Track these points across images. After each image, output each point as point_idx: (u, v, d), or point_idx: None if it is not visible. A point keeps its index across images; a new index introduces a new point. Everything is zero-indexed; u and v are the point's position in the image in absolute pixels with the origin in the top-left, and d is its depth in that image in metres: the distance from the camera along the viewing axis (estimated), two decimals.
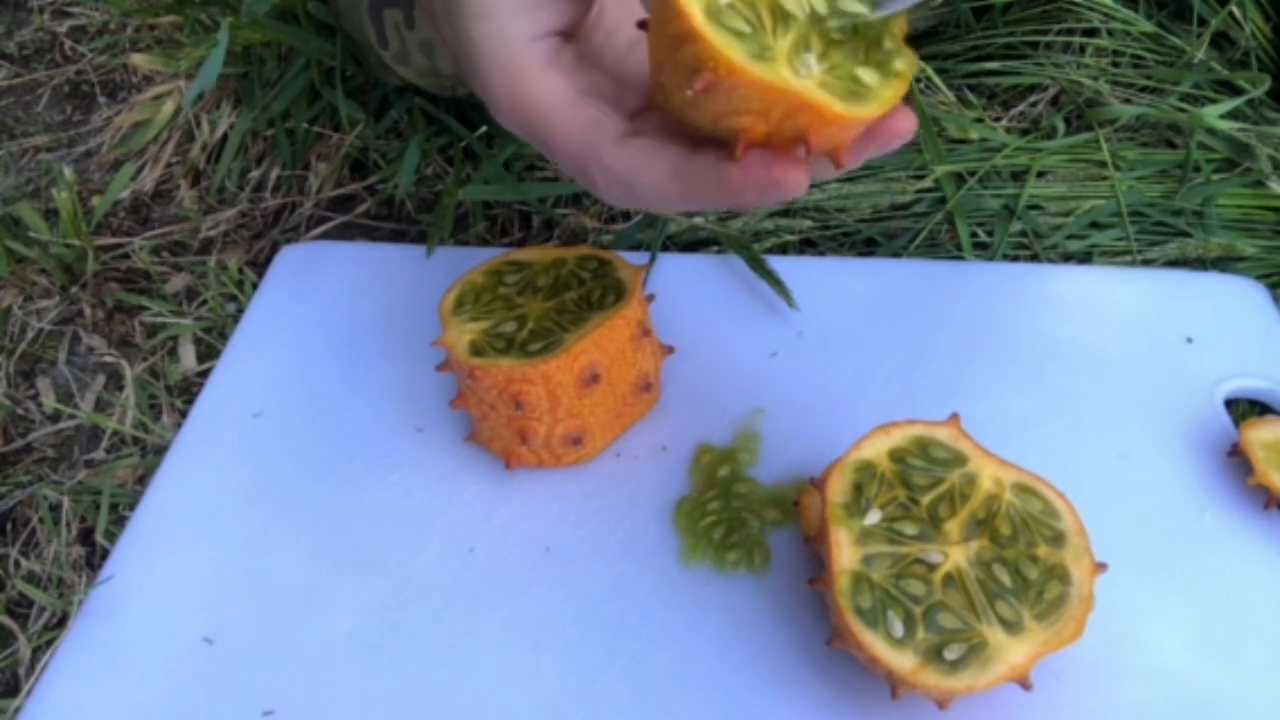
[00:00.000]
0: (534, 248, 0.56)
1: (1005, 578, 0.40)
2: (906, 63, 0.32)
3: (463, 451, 0.53)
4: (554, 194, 0.68)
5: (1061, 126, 0.69)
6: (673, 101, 0.32)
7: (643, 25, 0.34)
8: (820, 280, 0.61)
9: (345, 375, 0.57)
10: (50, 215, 0.75)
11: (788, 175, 0.31)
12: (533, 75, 0.35)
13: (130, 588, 0.48)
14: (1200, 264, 0.64)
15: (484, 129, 0.68)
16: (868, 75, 0.31)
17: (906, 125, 0.32)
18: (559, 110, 0.35)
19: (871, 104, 0.31)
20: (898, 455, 0.44)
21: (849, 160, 0.33)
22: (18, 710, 0.48)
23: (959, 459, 0.44)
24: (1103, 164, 0.66)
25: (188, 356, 0.67)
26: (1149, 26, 0.73)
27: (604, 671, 0.44)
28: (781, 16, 0.31)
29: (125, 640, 0.46)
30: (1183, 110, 0.69)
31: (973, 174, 0.66)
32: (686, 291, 0.61)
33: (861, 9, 0.32)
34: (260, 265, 0.72)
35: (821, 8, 0.32)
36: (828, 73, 0.31)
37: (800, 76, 0.30)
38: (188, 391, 0.65)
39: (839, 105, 0.30)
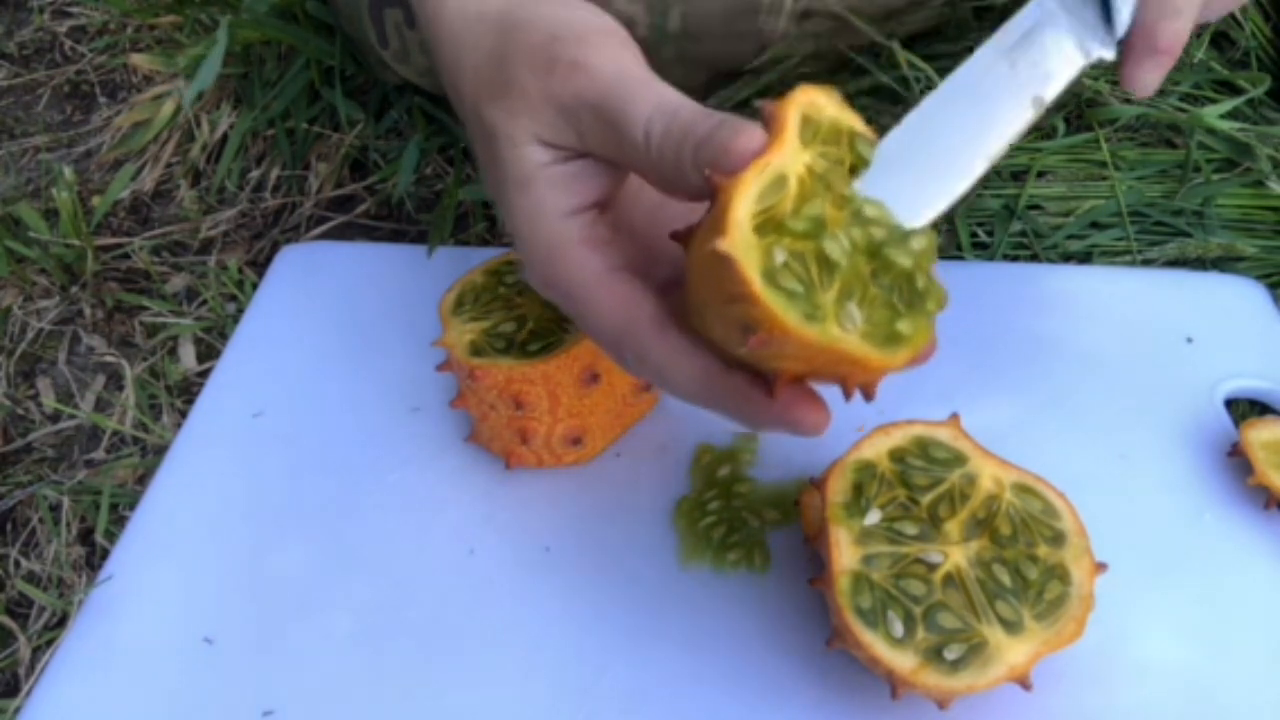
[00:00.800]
0: None
1: (1005, 578, 0.40)
2: (936, 301, 0.33)
3: (463, 451, 0.53)
4: None
5: (1061, 126, 0.69)
6: (713, 335, 0.33)
7: (677, 237, 0.34)
8: None
9: (345, 375, 0.57)
10: (50, 215, 0.75)
11: (815, 420, 0.33)
12: (568, 252, 0.35)
13: (130, 588, 0.48)
14: (1200, 264, 0.64)
15: None
16: (904, 325, 0.32)
17: (930, 354, 0.34)
18: (594, 289, 0.35)
19: (906, 349, 0.32)
20: (898, 455, 0.44)
21: (877, 394, 0.35)
22: (18, 710, 0.48)
23: (959, 459, 0.44)
24: (1103, 164, 0.66)
25: (188, 356, 0.67)
26: None
27: (604, 672, 0.44)
28: (826, 264, 0.31)
29: (125, 640, 0.46)
30: (1183, 110, 0.69)
31: None
32: None
33: (888, 226, 0.33)
34: (260, 265, 0.72)
35: (859, 238, 0.33)
36: (867, 320, 0.32)
37: (846, 330, 0.31)
38: (188, 391, 0.65)
39: (879, 356, 0.31)
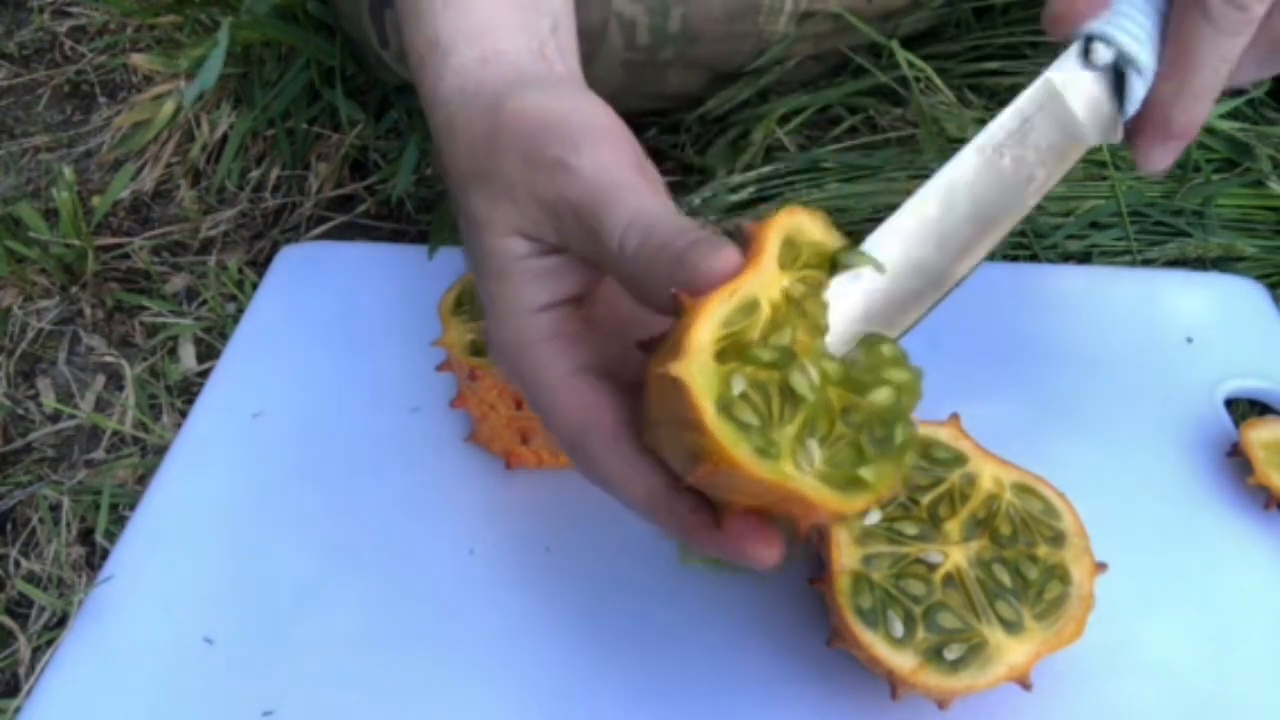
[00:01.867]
0: None
1: (1005, 578, 0.40)
2: (912, 451, 0.32)
3: (463, 451, 0.53)
4: None
5: None
6: (665, 455, 0.32)
7: (642, 347, 0.32)
8: None
9: (345, 375, 0.57)
10: (50, 215, 0.75)
11: (766, 554, 0.31)
12: (535, 349, 0.35)
13: (130, 588, 0.48)
14: (1200, 264, 0.64)
15: None
16: (868, 472, 0.30)
17: (894, 498, 0.33)
18: (556, 390, 0.34)
19: (866, 496, 0.30)
20: None
21: (829, 538, 0.34)
22: (18, 710, 0.48)
23: (959, 459, 0.44)
24: (1102, 164, 0.66)
25: (188, 356, 0.67)
26: None
27: (604, 671, 0.44)
28: (790, 396, 0.30)
29: (125, 640, 0.46)
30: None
31: None
32: None
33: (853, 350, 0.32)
34: (260, 265, 0.72)
35: (833, 371, 0.31)
36: (828, 460, 0.30)
37: (801, 470, 0.29)
38: (188, 391, 0.65)
39: (834, 501, 0.29)
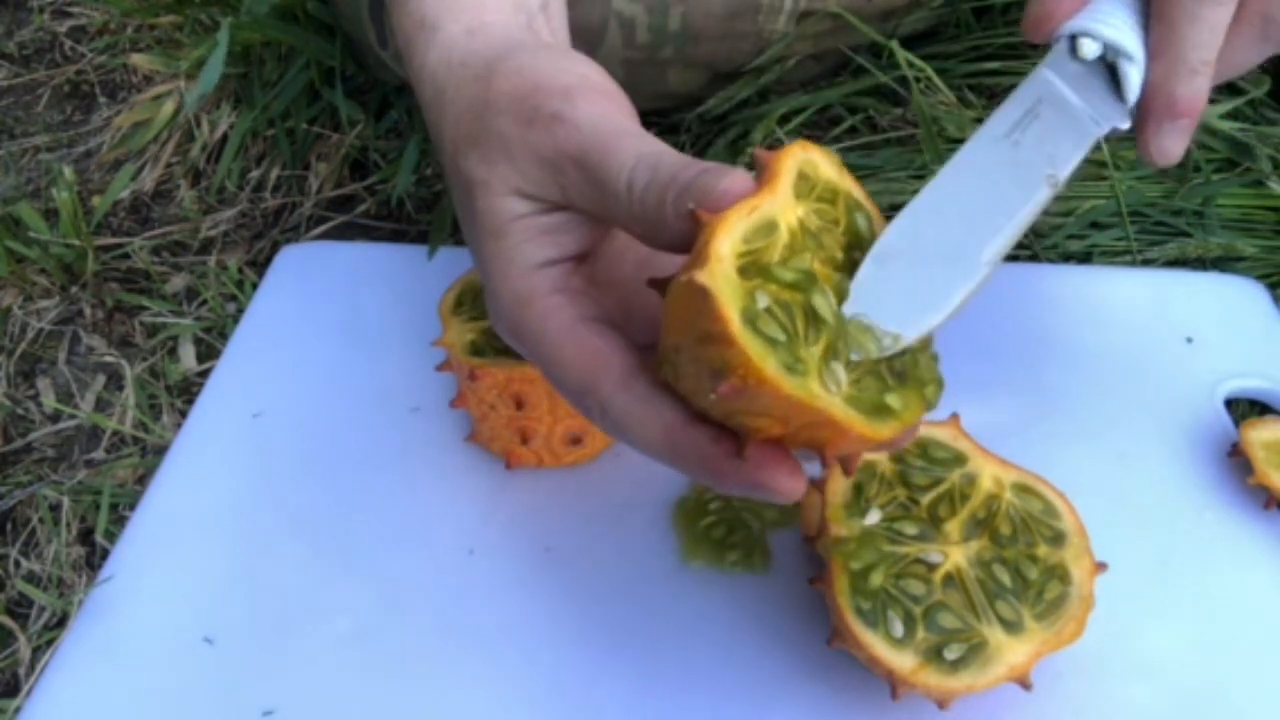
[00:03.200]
0: None
1: (1005, 577, 0.40)
2: (934, 386, 0.31)
3: (463, 451, 0.53)
4: None
5: None
6: (683, 386, 0.30)
7: (654, 284, 0.31)
8: None
9: (345, 375, 0.57)
10: (50, 215, 0.75)
11: (789, 485, 0.30)
12: (538, 301, 0.34)
13: (130, 588, 0.48)
14: (1200, 264, 0.64)
15: None
16: (893, 399, 0.30)
17: (912, 436, 0.31)
18: (561, 339, 0.33)
19: (894, 424, 0.29)
20: (898, 455, 0.44)
21: (854, 470, 0.32)
22: (18, 710, 0.48)
23: (959, 459, 0.44)
24: (1102, 164, 0.66)
25: (188, 356, 0.67)
26: None
27: (604, 672, 0.44)
28: (813, 319, 0.29)
29: (125, 640, 0.46)
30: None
31: None
32: None
33: (880, 338, 0.31)
34: (260, 265, 0.72)
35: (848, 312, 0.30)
36: (854, 384, 0.29)
37: (829, 391, 0.28)
38: (188, 391, 0.65)
39: (863, 425, 0.28)
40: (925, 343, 0.32)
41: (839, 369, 0.29)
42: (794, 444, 0.30)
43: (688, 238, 0.30)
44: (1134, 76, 0.39)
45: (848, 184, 0.32)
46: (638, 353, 0.33)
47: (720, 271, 0.27)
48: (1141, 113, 0.40)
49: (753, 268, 0.29)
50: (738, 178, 0.29)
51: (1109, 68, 0.39)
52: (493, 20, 0.39)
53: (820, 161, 0.31)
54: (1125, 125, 0.40)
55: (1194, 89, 0.38)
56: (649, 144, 0.32)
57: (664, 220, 0.31)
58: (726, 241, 0.28)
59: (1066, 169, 0.37)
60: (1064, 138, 0.38)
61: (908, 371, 0.31)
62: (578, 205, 0.34)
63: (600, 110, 0.34)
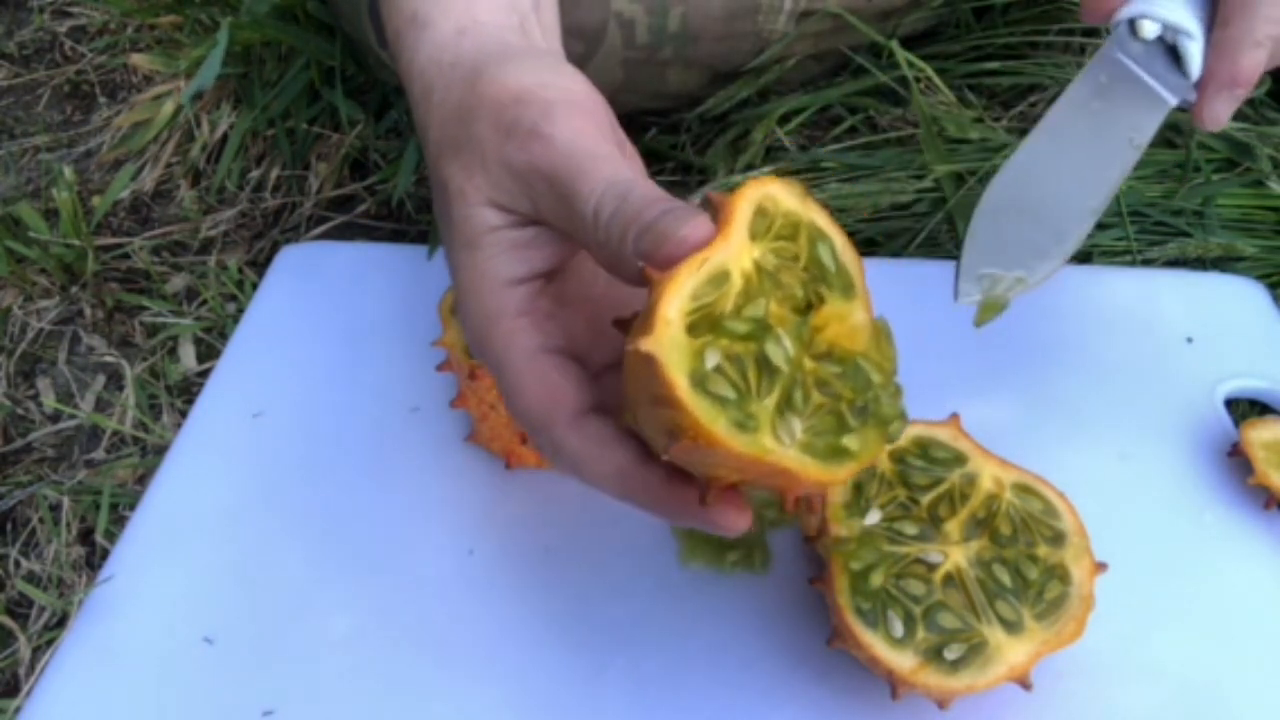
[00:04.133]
0: None
1: (1005, 577, 0.40)
2: (898, 424, 0.31)
3: (463, 451, 0.53)
4: None
5: None
6: (644, 435, 0.31)
7: (619, 325, 0.32)
8: None
9: (345, 375, 0.57)
10: (50, 215, 0.75)
11: (734, 522, 0.31)
12: (503, 324, 0.34)
13: (130, 588, 0.48)
14: (1200, 264, 0.64)
15: None
16: (851, 440, 0.30)
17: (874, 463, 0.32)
18: (521, 368, 0.34)
19: (850, 465, 0.30)
20: (898, 455, 0.44)
21: (819, 507, 0.33)
22: (18, 710, 0.48)
23: (959, 459, 0.44)
24: None
25: (188, 356, 0.67)
26: None
27: (604, 671, 0.44)
28: (766, 368, 0.29)
29: (125, 640, 0.46)
30: (1183, 110, 0.69)
31: (973, 174, 0.66)
32: None
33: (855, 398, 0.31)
34: (260, 265, 0.72)
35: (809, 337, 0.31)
36: (809, 430, 0.30)
37: (782, 442, 0.29)
38: (188, 391, 0.65)
39: (818, 471, 0.29)
40: (889, 376, 0.32)
41: (793, 420, 0.29)
42: (753, 488, 0.31)
43: (642, 280, 0.30)
44: (1195, 53, 0.42)
45: (811, 213, 0.32)
46: (593, 390, 0.33)
47: (667, 337, 0.28)
48: (1204, 80, 0.43)
49: (704, 323, 0.29)
50: (699, 225, 0.29)
51: (1167, 47, 0.43)
52: (485, 19, 0.39)
53: (779, 195, 0.31)
54: (1193, 97, 0.43)
55: (1255, 60, 0.41)
56: (621, 171, 0.32)
57: (624, 256, 0.31)
58: (674, 303, 0.28)
59: (1146, 135, 0.42)
60: (1139, 108, 0.42)
61: (870, 409, 0.31)
62: (549, 220, 0.34)
63: (578, 128, 0.34)
